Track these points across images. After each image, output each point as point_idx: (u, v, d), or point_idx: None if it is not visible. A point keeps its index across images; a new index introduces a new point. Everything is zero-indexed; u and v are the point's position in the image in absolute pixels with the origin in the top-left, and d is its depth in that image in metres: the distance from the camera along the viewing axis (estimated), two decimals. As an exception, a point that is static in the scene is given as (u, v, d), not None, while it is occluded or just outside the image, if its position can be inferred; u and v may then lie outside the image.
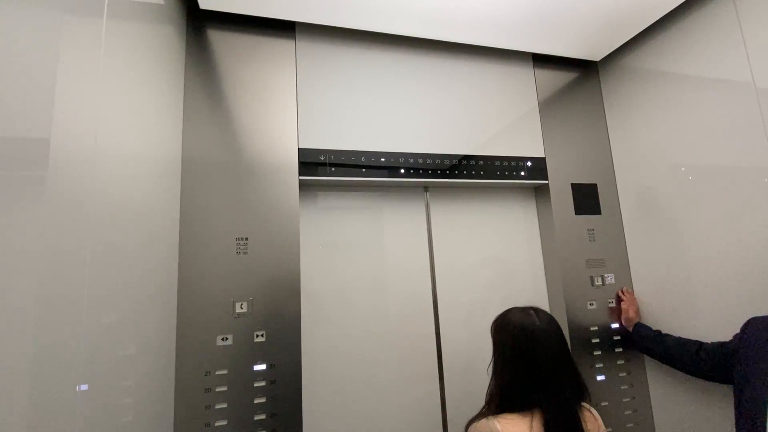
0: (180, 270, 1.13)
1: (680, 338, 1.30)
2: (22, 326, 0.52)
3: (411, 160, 1.43)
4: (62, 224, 0.59)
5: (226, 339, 1.14)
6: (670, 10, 1.38)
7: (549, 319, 0.95)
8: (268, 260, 1.22)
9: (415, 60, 1.54)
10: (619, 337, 1.52)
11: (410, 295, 1.49)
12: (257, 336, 1.17)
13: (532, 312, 0.96)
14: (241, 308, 1.17)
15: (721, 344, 1.13)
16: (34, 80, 0.56)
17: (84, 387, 0.63)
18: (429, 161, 1.45)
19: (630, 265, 1.60)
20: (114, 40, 0.77)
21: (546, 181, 1.58)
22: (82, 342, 0.63)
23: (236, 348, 1.14)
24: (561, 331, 0.95)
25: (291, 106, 1.34)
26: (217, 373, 1.11)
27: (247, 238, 1.21)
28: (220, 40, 1.32)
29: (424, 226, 1.56)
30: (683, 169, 1.39)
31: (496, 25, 1.43)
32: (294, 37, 1.40)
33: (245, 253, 1.20)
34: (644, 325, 1.43)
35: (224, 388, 1.11)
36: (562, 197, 1.59)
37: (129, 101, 0.84)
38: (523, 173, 1.56)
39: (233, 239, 1.20)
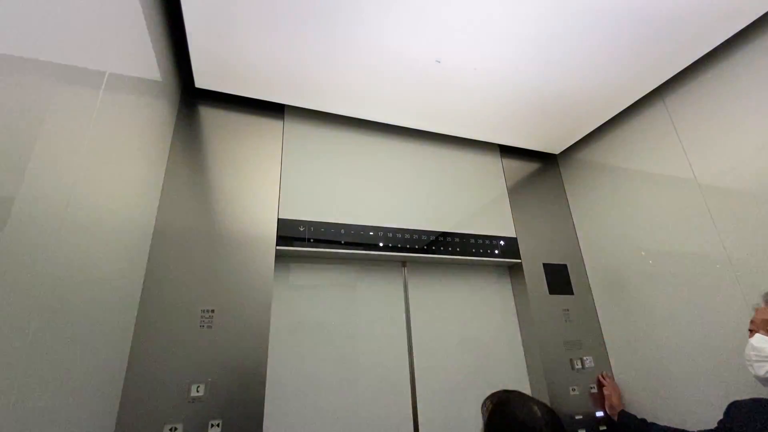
0: (133, 344, 1.01)
1: (667, 428, 1.24)
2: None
3: (390, 235, 1.45)
4: (7, 290, 0.54)
5: (175, 429, 0.99)
6: (613, 115, 1.60)
7: (552, 418, 0.84)
8: (234, 336, 1.12)
9: (396, 143, 1.66)
10: (605, 428, 1.43)
11: (386, 384, 1.38)
12: (212, 426, 1.02)
13: (536, 409, 0.85)
14: (197, 391, 1.04)
15: (708, 433, 1.09)
16: (11, 139, 0.56)
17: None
18: (407, 236, 1.48)
19: (606, 346, 1.59)
20: (107, 110, 0.80)
21: (519, 260, 1.62)
22: (2, 429, 0.54)
23: (185, 441, 0.99)
24: (565, 430, 0.85)
25: (274, 179, 1.37)
26: (157, 474, 0.94)
27: (213, 310, 1.13)
28: (210, 116, 1.39)
29: (402, 304, 1.52)
30: (643, 253, 1.48)
31: (466, 119, 1.59)
32: (283, 118, 1.50)
33: (209, 327, 1.11)
34: (628, 413, 1.37)
35: (163, 495, 0.93)
36: (535, 276, 1.62)
37: (110, 170, 0.84)
38: (497, 251, 1.60)
39: (198, 310, 1.11)
